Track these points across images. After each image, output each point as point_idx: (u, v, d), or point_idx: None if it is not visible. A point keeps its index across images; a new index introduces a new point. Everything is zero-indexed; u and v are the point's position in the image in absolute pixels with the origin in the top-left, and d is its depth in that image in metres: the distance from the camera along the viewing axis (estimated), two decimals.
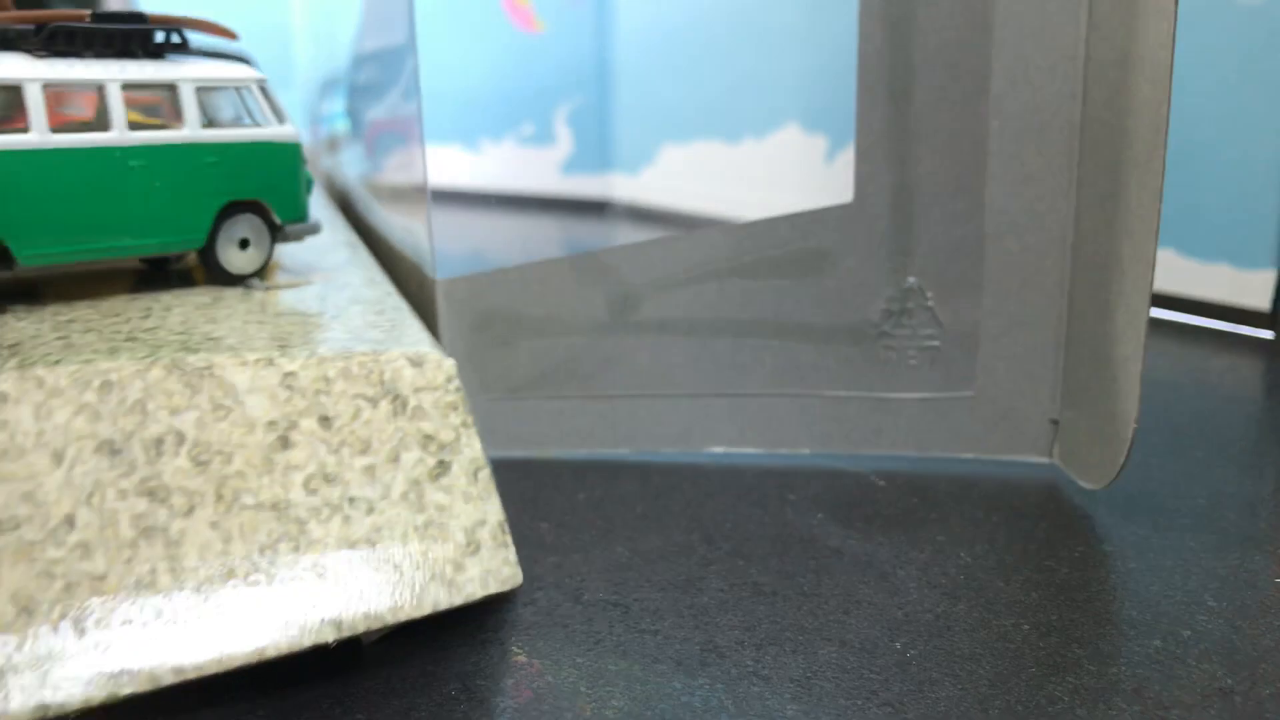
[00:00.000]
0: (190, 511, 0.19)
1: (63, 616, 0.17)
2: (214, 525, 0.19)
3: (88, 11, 0.25)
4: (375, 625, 0.19)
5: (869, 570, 0.24)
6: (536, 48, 0.76)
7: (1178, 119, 0.45)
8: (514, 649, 0.21)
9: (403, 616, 0.20)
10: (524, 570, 0.24)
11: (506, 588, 0.21)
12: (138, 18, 0.26)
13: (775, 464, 0.30)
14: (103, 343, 0.21)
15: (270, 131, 0.28)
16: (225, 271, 0.28)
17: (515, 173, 0.79)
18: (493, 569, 0.21)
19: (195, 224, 0.27)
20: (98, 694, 0.17)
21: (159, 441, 0.19)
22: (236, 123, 0.27)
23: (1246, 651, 0.21)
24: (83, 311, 0.24)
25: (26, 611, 0.17)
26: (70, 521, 0.18)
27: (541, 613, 0.22)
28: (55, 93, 0.25)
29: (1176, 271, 0.45)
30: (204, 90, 0.27)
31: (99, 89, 0.25)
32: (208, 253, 0.27)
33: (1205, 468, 0.30)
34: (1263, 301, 0.43)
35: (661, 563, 0.25)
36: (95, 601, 0.18)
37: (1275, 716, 0.19)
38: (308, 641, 0.19)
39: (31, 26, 0.25)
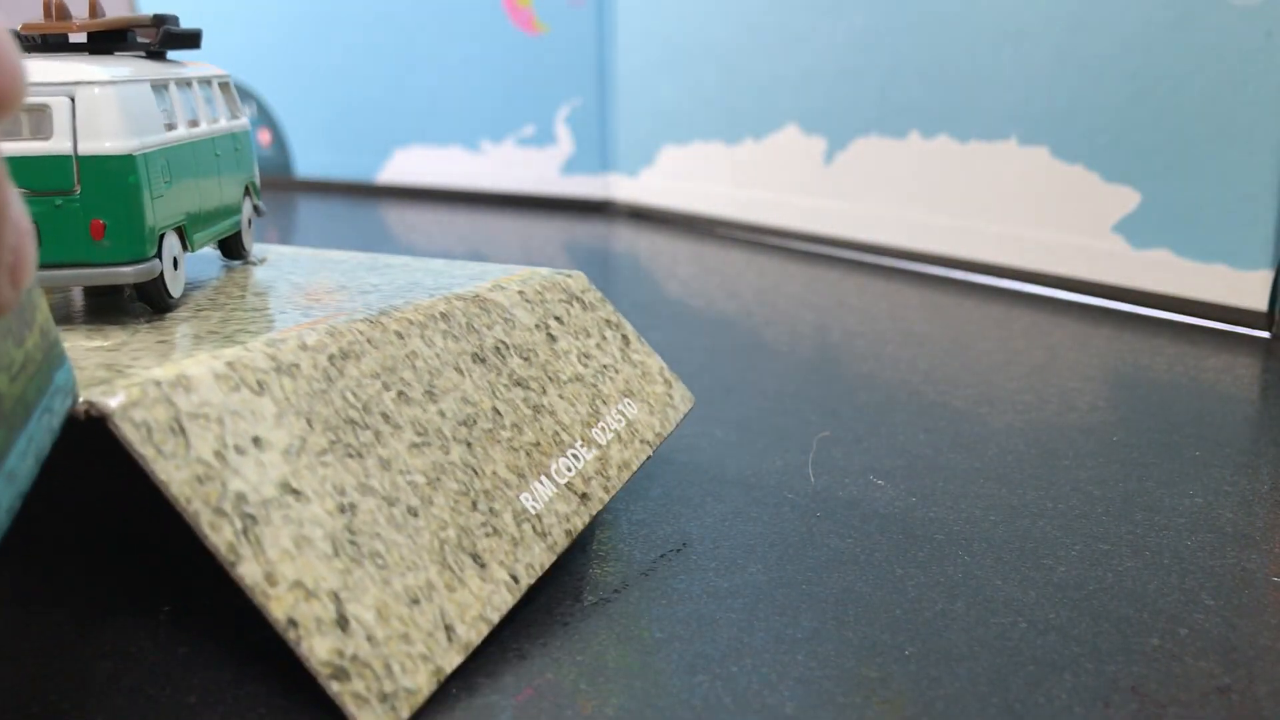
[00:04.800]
0: (545, 391, 0.25)
1: (541, 473, 0.24)
2: (561, 397, 0.25)
3: (151, 15, 0.27)
4: (660, 440, 0.27)
5: (869, 569, 0.24)
6: (537, 48, 0.77)
7: (1176, 120, 0.45)
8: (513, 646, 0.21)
9: (668, 430, 0.28)
10: None
11: (692, 404, 0.29)
12: (176, 21, 0.27)
13: (776, 465, 0.30)
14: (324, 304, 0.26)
15: (245, 122, 0.30)
16: (243, 249, 0.30)
17: (515, 173, 0.79)
18: (682, 393, 0.29)
19: (239, 206, 0.29)
20: (586, 517, 0.24)
21: (497, 349, 0.25)
22: (233, 115, 0.29)
23: (1244, 649, 0.21)
24: (233, 311, 0.25)
25: (521, 475, 0.23)
26: (497, 412, 0.24)
27: (542, 611, 0.23)
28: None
29: (1174, 272, 0.45)
30: (220, 86, 0.29)
31: (190, 86, 0.27)
32: (234, 233, 0.29)
33: (1202, 466, 0.30)
34: (1259, 302, 0.43)
35: (664, 563, 0.25)
36: (545, 460, 0.24)
37: (1272, 714, 0.19)
38: (644, 456, 0.26)
39: (118, 31, 0.26)
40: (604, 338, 0.28)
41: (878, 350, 0.41)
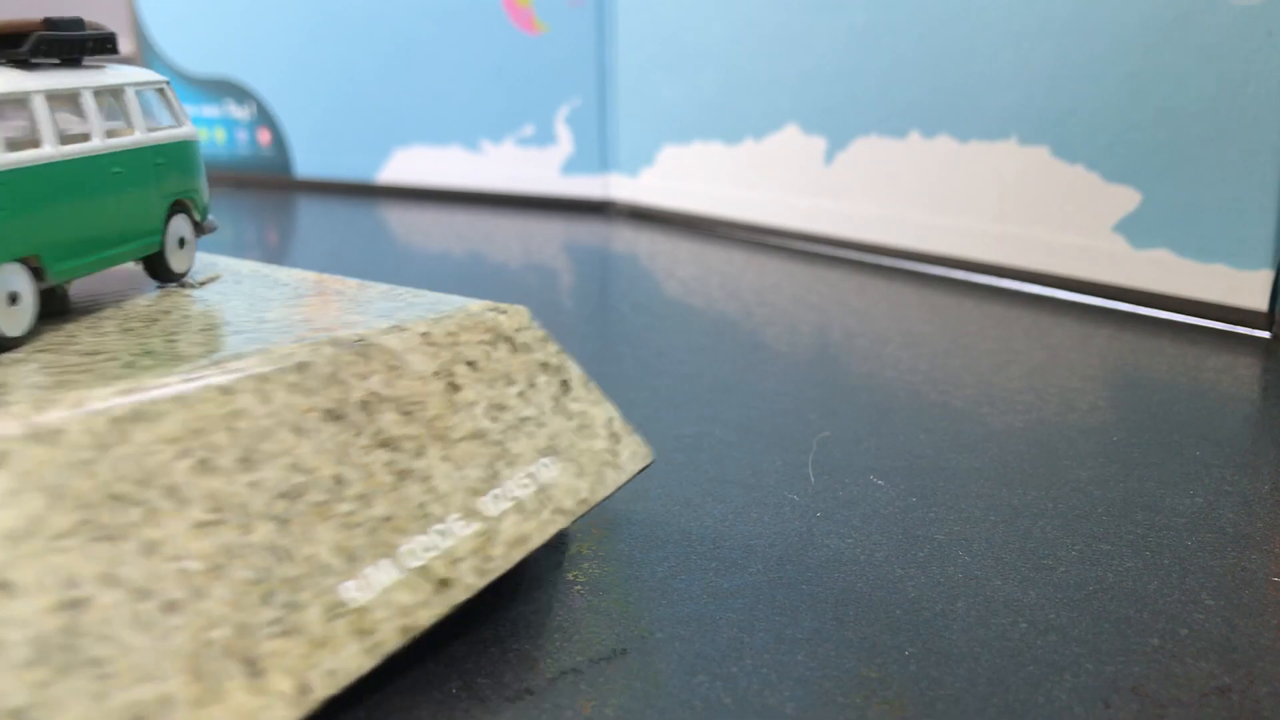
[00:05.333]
0: (422, 452, 0.22)
1: (383, 555, 0.20)
2: (445, 459, 0.22)
3: (40, 19, 0.24)
4: (585, 509, 0.23)
5: (869, 569, 0.24)
6: (537, 48, 0.77)
7: (1176, 120, 0.45)
8: (514, 647, 0.21)
9: (599, 496, 0.24)
10: None
11: (648, 462, 0.26)
12: (81, 24, 0.25)
13: (776, 465, 0.30)
14: (208, 344, 0.22)
15: (186, 131, 0.28)
16: (170, 272, 0.28)
17: (515, 173, 0.79)
18: (634, 450, 0.25)
19: (155, 227, 0.27)
20: (440, 609, 0.20)
21: (365, 403, 0.21)
22: (162, 125, 0.27)
23: (1244, 649, 0.21)
24: (98, 335, 0.23)
25: (351, 559, 0.19)
26: (340, 479, 0.20)
27: (541, 611, 0.23)
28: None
29: (1173, 271, 0.46)
30: (141, 93, 0.27)
31: (77, 97, 0.25)
32: (157, 255, 0.27)
33: (1202, 466, 0.30)
34: (1260, 301, 0.43)
35: (664, 563, 0.25)
36: (395, 538, 0.20)
37: (1272, 714, 0.19)
38: (552, 530, 0.23)
39: None
40: (532, 385, 0.24)
41: (878, 350, 0.41)
